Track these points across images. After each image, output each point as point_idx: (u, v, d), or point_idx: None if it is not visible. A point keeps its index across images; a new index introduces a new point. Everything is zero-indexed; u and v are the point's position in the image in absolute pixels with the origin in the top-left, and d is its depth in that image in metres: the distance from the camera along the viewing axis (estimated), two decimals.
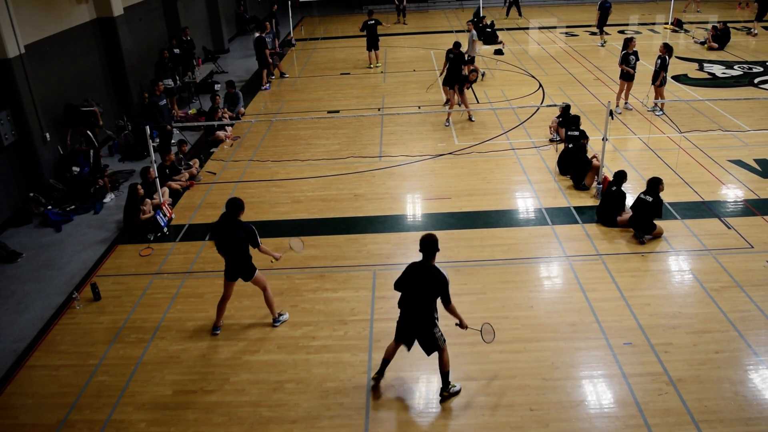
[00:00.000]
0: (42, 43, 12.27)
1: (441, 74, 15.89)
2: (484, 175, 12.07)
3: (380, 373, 6.91)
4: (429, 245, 6.34)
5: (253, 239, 7.45)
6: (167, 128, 13.47)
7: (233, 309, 8.41)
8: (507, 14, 27.65)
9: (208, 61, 21.13)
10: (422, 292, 6.34)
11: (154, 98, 13.46)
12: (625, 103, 15.13)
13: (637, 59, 14.53)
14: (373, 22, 19.94)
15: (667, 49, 14.33)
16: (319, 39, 25.57)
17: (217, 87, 17.74)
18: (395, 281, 6.55)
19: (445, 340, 6.55)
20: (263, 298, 7.94)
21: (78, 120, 12.89)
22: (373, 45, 20.10)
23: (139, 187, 10.50)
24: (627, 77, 14.66)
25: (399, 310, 6.61)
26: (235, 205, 7.41)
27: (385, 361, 6.88)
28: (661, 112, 14.70)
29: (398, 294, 8.32)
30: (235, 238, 7.41)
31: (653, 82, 14.58)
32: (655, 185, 9.41)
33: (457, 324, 6.54)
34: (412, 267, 6.45)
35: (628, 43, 14.62)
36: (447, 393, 6.72)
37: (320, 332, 7.87)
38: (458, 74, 14.70)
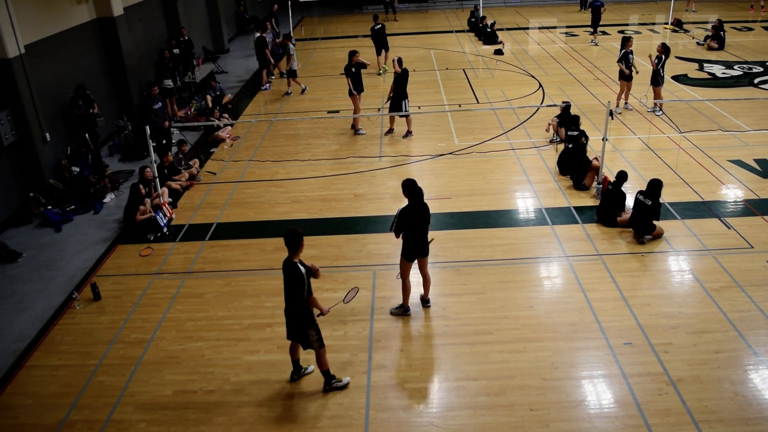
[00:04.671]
0: (42, 43, 12.27)
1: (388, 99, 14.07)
2: (484, 175, 12.07)
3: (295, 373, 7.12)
4: (290, 240, 6.35)
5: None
6: (165, 125, 13.46)
7: (233, 309, 8.42)
8: (582, 8, 28.21)
9: (208, 61, 21.14)
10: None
11: (148, 102, 13.46)
12: (625, 103, 15.14)
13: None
14: (381, 26, 19.55)
15: (664, 49, 14.34)
16: (319, 39, 25.58)
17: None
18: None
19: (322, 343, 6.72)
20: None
21: (80, 122, 12.92)
22: (383, 47, 19.64)
23: (141, 186, 10.52)
24: (626, 77, 14.65)
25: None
26: (420, 189, 7.58)
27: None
28: (661, 112, 14.70)
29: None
30: (424, 219, 7.68)
31: (651, 82, 14.59)
32: (655, 188, 9.39)
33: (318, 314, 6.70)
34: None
35: (626, 42, 14.63)
36: (329, 387, 6.91)
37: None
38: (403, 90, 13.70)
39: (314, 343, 6.63)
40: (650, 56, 14.44)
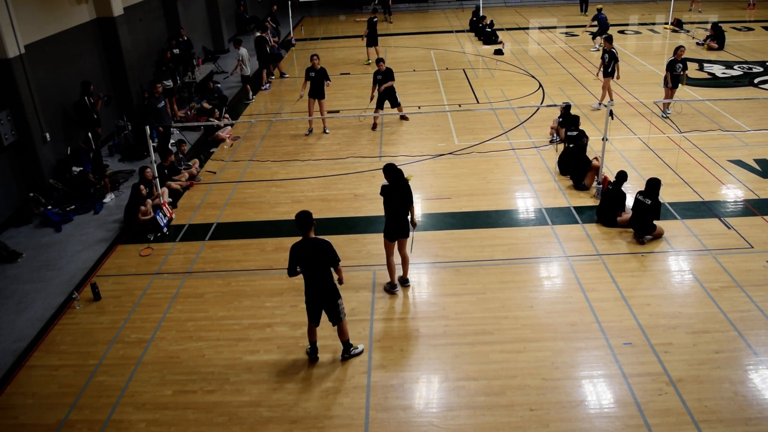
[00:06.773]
0: (42, 43, 12.27)
1: (372, 98, 14.99)
2: (484, 175, 12.07)
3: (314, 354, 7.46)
4: (304, 221, 6.81)
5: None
6: (168, 127, 13.49)
7: (233, 309, 8.43)
8: (582, 11, 27.83)
9: (208, 61, 21.14)
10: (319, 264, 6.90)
11: (152, 100, 13.48)
12: (609, 100, 15.16)
13: (614, 59, 14.63)
14: (377, 19, 20.33)
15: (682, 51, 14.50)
16: (319, 39, 25.57)
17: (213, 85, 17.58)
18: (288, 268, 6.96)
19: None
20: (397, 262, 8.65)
21: (84, 121, 12.94)
22: (373, 42, 20.27)
23: (142, 187, 10.52)
24: (606, 74, 14.96)
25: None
26: (399, 171, 8.11)
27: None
28: (669, 112, 14.71)
29: (399, 294, 8.34)
30: (405, 202, 8.15)
31: (673, 86, 14.46)
32: (654, 187, 9.39)
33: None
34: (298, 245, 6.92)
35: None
36: (348, 355, 7.38)
37: (320, 332, 7.81)
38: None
39: (341, 314, 7.12)
40: (682, 74, 14.40)
